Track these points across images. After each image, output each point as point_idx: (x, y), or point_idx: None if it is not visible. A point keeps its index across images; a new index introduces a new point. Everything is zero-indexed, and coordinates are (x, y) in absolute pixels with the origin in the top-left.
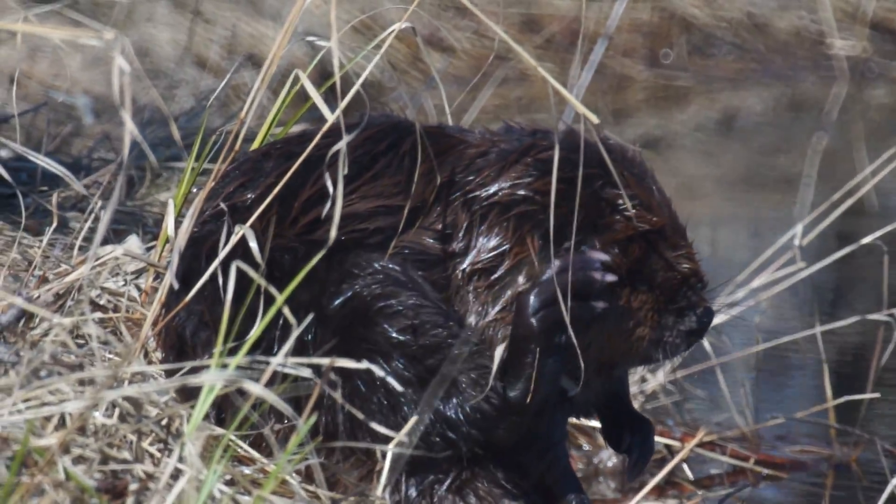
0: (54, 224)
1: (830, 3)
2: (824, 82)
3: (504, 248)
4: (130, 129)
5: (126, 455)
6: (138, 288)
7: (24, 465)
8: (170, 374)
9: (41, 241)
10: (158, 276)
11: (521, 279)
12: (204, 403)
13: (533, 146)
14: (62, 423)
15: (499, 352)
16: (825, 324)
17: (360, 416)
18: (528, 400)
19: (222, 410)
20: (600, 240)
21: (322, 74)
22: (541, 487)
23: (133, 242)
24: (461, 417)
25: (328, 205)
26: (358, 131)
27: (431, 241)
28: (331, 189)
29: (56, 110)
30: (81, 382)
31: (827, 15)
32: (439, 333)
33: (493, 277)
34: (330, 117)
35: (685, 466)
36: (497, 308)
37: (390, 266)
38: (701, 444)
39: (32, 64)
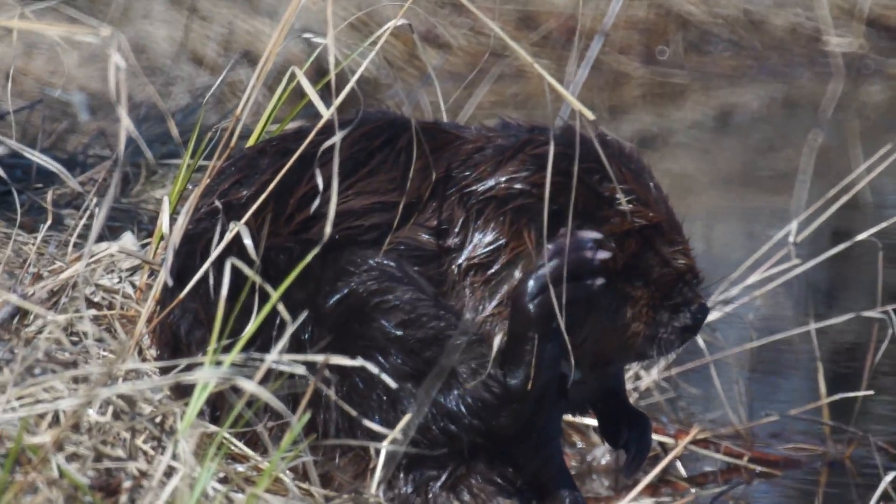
0: (49, 221)
1: (827, 0)
2: (820, 79)
3: (500, 242)
4: (126, 125)
5: (120, 453)
6: (133, 285)
7: (17, 462)
8: (164, 371)
9: (36, 237)
10: (153, 274)
11: (517, 274)
12: (198, 401)
13: (530, 141)
14: (56, 420)
15: (497, 340)
16: (820, 321)
17: (354, 413)
18: (530, 386)
19: (217, 408)
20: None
21: (318, 71)
22: (535, 484)
23: (128, 239)
24: (462, 408)
25: (323, 202)
26: (353, 127)
27: (427, 236)
28: (324, 186)
29: (52, 107)
30: (75, 380)
31: (823, 12)
32: (437, 326)
33: (489, 272)
34: (325, 114)
35: (679, 464)
36: (494, 303)
37: (386, 262)
38: (695, 442)
39: (28, 60)
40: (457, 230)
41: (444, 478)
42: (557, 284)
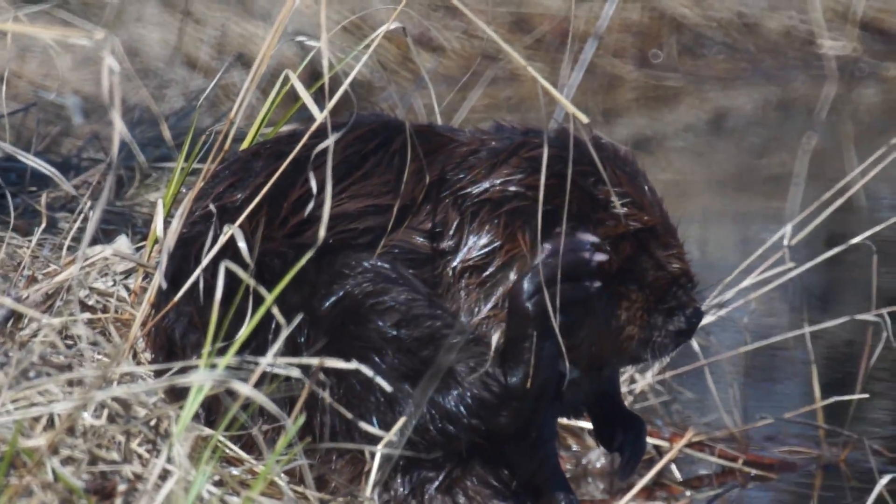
0: (43, 224)
1: (820, 4)
2: (814, 82)
3: (495, 244)
4: (120, 128)
5: (115, 456)
6: (127, 288)
7: (12, 466)
8: (159, 374)
9: (30, 241)
10: (147, 277)
11: (512, 276)
12: (193, 404)
13: (524, 144)
14: (51, 423)
15: (495, 339)
16: (814, 324)
17: (349, 415)
18: (529, 384)
19: (212, 412)
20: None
21: (312, 74)
22: (530, 487)
23: (122, 243)
24: (461, 408)
25: (317, 205)
26: (347, 130)
27: (421, 239)
28: (318, 190)
29: (45, 110)
30: (70, 383)
31: (817, 15)
32: (433, 325)
33: (484, 275)
34: (319, 117)
35: (674, 467)
36: (489, 305)
37: (380, 264)
38: (689, 445)
39: (22, 64)
40: (451, 233)
41: (439, 480)
42: (555, 284)
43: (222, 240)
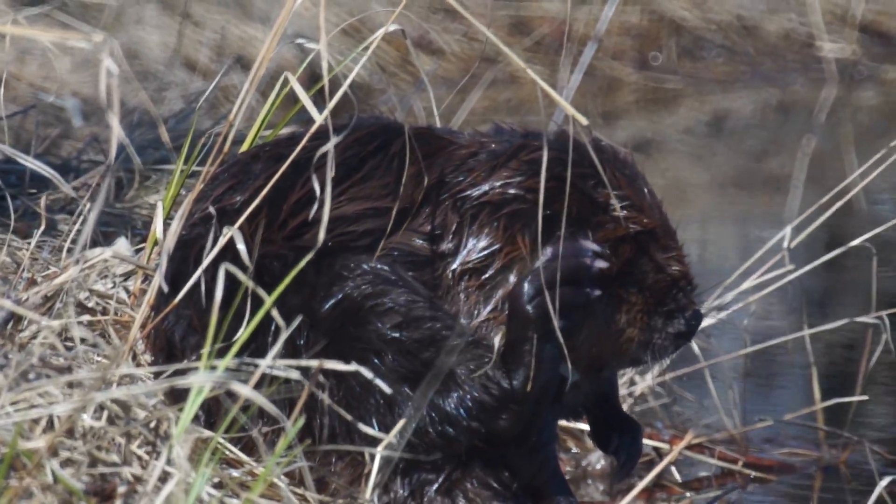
0: (43, 226)
1: (820, 6)
2: (813, 85)
3: (495, 247)
4: (117, 131)
5: (114, 458)
6: (127, 290)
7: (12, 467)
8: (158, 376)
9: (30, 243)
10: (147, 279)
11: (512, 278)
12: (192, 406)
13: (524, 146)
14: (51, 425)
15: (496, 341)
16: (814, 326)
17: (349, 417)
18: (530, 387)
19: (212, 413)
20: (592, 239)
21: (311, 77)
22: (530, 489)
23: (122, 245)
24: (462, 411)
25: (317, 208)
26: (346, 133)
27: (421, 242)
28: (319, 192)
29: (45, 112)
30: (70, 385)
31: (816, 18)
32: (433, 327)
33: (483, 277)
34: (318, 119)
35: (673, 469)
36: (489, 308)
37: (380, 266)
38: (689, 447)
39: (21, 66)
40: (451, 235)
41: (439, 482)
42: (555, 287)
43: (222, 242)
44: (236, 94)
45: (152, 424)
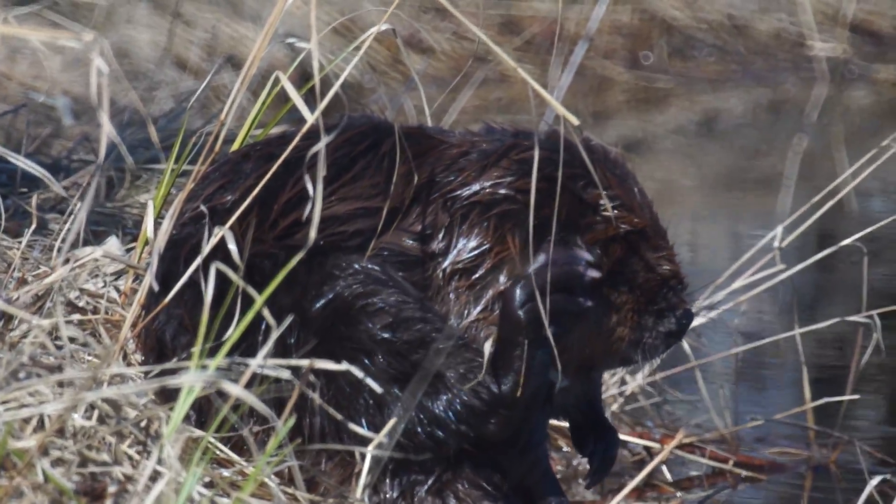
0: (33, 225)
1: (810, 6)
2: (804, 84)
3: (485, 247)
4: (108, 130)
5: (105, 457)
6: (117, 289)
7: (2, 467)
8: (149, 375)
9: (20, 242)
10: (138, 278)
11: (502, 278)
12: (183, 405)
13: (515, 146)
14: (41, 424)
15: (487, 346)
16: (805, 326)
17: (339, 417)
18: (519, 392)
19: (202, 413)
20: (582, 239)
21: (302, 76)
22: (521, 489)
23: (112, 244)
24: (450, 414)
25: (308, 207)
26: (337, 132)
27: (411, 241)
28: (310, 191)
29: (36, 111)
30: (60, 384)
31: (807, 17)
32: (423, 328)
33: (474, 277)
34: (310, 119)
35: (664, 468)
36: (479, 308)
37: (370, 266)
38: (680, 446)
39: (12, 65)
40: (441, 235)
41: (430, 482)
42: (547, 293)
43: (213, 241)
44: (227, 93)
45: (143, 424)
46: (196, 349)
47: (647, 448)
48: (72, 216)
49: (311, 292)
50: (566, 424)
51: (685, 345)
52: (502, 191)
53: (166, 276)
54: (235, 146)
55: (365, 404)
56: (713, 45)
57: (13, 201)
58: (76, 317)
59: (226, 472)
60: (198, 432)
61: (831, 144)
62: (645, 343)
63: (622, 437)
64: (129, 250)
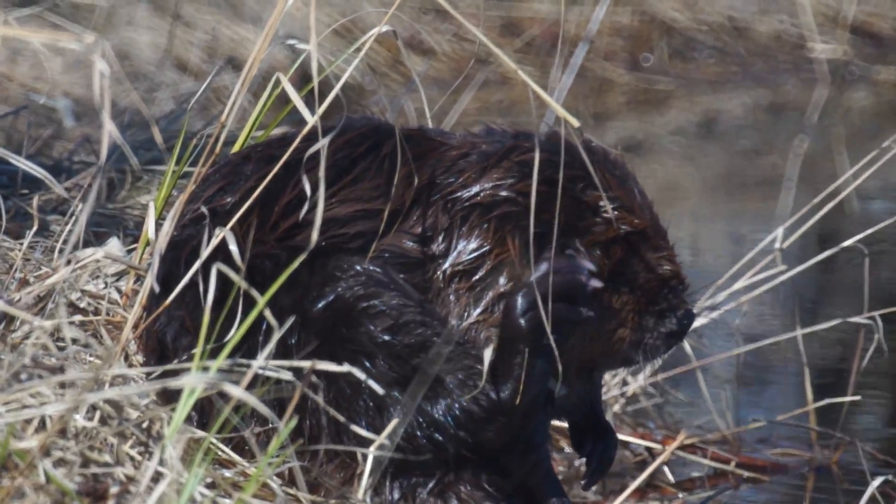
0: (35, 227)
1: (811, 7)
2: (805, 85)
3: (485, 249)
4: (110, 131)
5: (107, 458)
6: (119, 291)
7: (4, 468)
8: (150, 376)
9: (22, 243)
10: (139, 279)
11: (502, 280)
12: (185, 406)
13: (515, 148)
14: (43, 425)
15: (488, 353)
16: (806, 327)
17: (341, 418)
18: (518, 400)
19: (204, 414)
20: (582, 241)
21: (303, 77)
22: (523, 490)
23: (114, 245)
24: (449, 419)
25: (308, 209)
26: (337, 134)
27: (412, 243)
28: (310, 193)
29: (36, 113)
30: (62, 385)
31: (807, 18)
32: (424, 332)
33: (474, 279)
34: (310, 121)
35: (666, 469)
36: (479, 310)
37: (372, 268)
38: (682, 447)
39: (13, 67)
40: (441, 237)
41: (431, 484)
42: (548, 301)
43: (214, 243)
44: (228, 94)
45: (145, 425)
46: (197, 350)
47: (648, 449)
48: (73, 217)
49: (312, 294)
50: (567, 425)
51: (686, 346)
52: (503, 193)
53: (167, 278)
54: (236, 148)
55: (365, 406)
56: (713, 47)
57: (14, 203)
58: (78, 318)
59: (228, 473)
60: (199, 433)
61: (832, 146)
62: (646, 344)
63: (624, 437)
64: (130, 251)
